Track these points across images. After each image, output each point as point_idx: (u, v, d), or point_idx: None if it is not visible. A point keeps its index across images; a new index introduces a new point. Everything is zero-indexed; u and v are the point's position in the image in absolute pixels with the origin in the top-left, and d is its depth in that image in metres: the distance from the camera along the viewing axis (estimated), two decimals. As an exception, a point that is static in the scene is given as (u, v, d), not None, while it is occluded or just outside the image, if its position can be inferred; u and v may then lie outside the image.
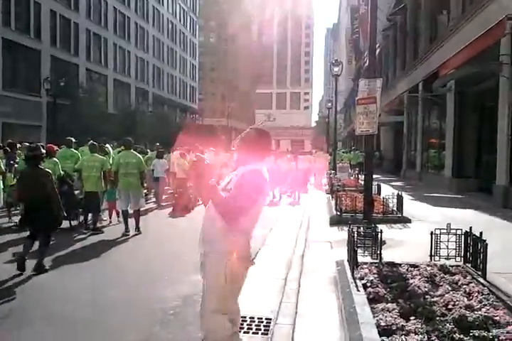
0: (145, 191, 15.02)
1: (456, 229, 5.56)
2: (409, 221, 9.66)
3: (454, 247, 5.57)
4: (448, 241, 5.55)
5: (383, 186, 14.03)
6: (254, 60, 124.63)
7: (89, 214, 9.28)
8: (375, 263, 5.51)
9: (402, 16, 26.13)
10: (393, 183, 20.08)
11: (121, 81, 46.13)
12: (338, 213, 9.98)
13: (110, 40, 44.03)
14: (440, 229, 5.60)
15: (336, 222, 9.72)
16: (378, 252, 5.63)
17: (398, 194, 10.11)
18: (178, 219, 11.44)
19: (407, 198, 10.45)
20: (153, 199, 13.81)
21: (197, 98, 78.71)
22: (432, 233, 5.62)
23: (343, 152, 31.27)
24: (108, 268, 6.77)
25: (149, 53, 54.41)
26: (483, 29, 11.90)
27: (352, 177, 19.33)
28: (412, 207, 11.48)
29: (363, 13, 49.38)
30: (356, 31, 55.40)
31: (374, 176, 17.93)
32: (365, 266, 5.28)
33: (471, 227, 5.40)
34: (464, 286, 4.52)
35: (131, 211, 9.29)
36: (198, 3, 78.05)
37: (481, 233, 5.02)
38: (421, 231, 8.80)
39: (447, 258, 5.59)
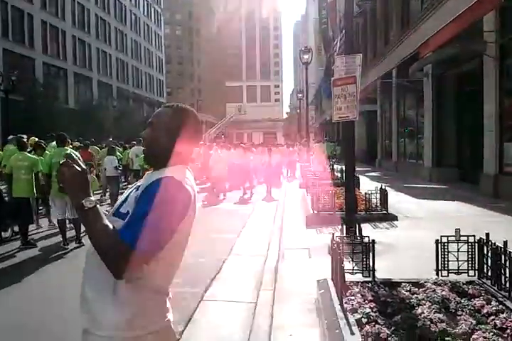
0: (99, 194, 13.58)
1: (468, 236, 4.40)
2: (395, 218, 8.54)
3: (466, 259, 4.40)
4: (458, 250, 4.38)
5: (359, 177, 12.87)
6: (222, 53, 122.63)
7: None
8: (368, 282, 4.31)
9: (372, 2, 25.12)
10: (369, 174, 19.08)
11: (82, 75, 43.98)
12: (315, 212, 8.78)
13: (68, 32, 41.80)
14: (448, 236, 4.42)
15: (313, 222, 8.53)
16: (371, 269, 4.43)
17: (382, 188, 8.98)
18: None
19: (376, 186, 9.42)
20: (109, 201, 12.35)
21: (165, 92, 76.59)
22: (437, 241, 4.45)
23: (315, 143, 30.19)
24: (37, 295, 5.39)
25: (112, 46, 52.19)
26: (465, 5, 10.85)
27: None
28: (394, 200, 10.34)
29: (330, 2, 48.49)
30: (324, 21, 54.49)
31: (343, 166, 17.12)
32: (355, 289, 4.08)
33: (487, 234, 4.24)
34: (492, 317, 3.36)
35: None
36: (162, -6, 75.84)
37: (505, 243, 3.87)
38: (411, 230, 7.71)
39: (457, 272, 4.43)
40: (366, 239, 4.57)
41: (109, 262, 1.56)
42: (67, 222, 7.89)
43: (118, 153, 15.18)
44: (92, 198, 1.61)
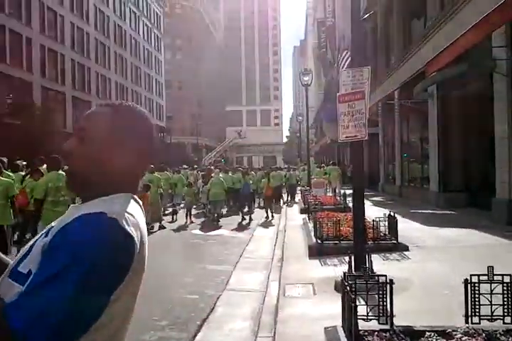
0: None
1: (503, 275, 3.70)
2: (406, 248, 7.81)
3: (501, 302, 3.70)
4: (491, 292, 3.68)
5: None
6: (222, 78, 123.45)
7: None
8: (386, 331, 3.60)
9: (373, 23, 24.92)
10: (372, 199, 18.39)
11: (80, 99, 43.71)
12: (319, 241, 8.07)
13: (67, 56, 41.73)
14: (478, 275, 3.73)
15: (316, 252, 7.81)
16: (389, 314, 3.72)
17: (390, 215, 8.28)
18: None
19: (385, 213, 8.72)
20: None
21: (165, 116, 76.49)
22: (467, 282, 3.75)
23: (316, 167, 29.57)
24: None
25: (111, 70, 52.18)
26: (469, 24, 10.39)
27: (328, 194, 17.57)
28: (401, 227, 9.58)
29: (329, 26, 48.81)
30: (323, 45, 54.81)
31: (348, 191, 16.41)
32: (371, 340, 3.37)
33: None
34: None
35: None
36: (162, 20, 76.51)
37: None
38: (425, 262, 6.98)
39: (491, 319, 3.72)
40: (382, 278, 3.87)
41: None
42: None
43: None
44: None
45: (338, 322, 4.12)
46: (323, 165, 34.03)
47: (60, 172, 7.27)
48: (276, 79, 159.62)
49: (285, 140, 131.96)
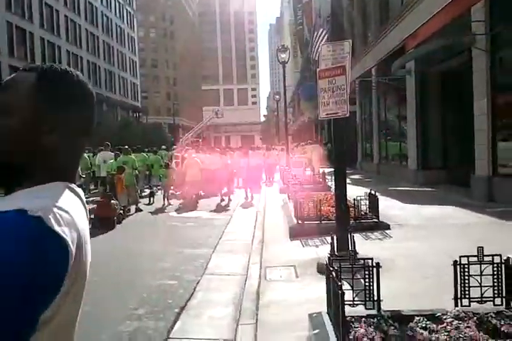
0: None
1: (493, 255, 3.56)
2: (387, 227, 7.72)
3: (491, 284, 3.57)
4: (481, 274, 3.55)
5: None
6: (198, 57, 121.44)
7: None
8: (374, 316, 3.44)
9: (350, 1, 24.50)
10: (350, 177, 18.30)
11: (52, 78, 42.39)
12: (299, 221, 7.91)
13: (36, 34, 40.24)
14: (468, 256, 3.58)
15: (297, 233, 7.65)
16: (376, 299, 3.56)
17: (371, 193, 8.16)
18: (99, 237, 9.01)
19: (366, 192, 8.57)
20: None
21: (140, 96, 75.04)
22: (456, 263, 3.60)
23: (294, 146, 29.45)
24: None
25: (83, 48, 50.63)
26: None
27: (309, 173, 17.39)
28: (381, 205, 9.49)
29: (306, 3, 48.00)
30: (300, 22, 54.05)
31: (327, 170, 16.27)
32: (358, 328, 3.21)
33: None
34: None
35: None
36: (134, -4, 74.39)
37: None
38: (408, 241, 6.88)
39: (481, 300, 3.59)
40: (368, 261, 3.70)
41: None
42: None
43: (85, 157, 14.11)
44: None
45: (322, 307, 3.95)
46: (302, 143, 33.95)
47: None
48: (253, 58, 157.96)
49: (263, 119, 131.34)
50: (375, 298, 3.59)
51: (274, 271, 5.81)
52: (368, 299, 3.62)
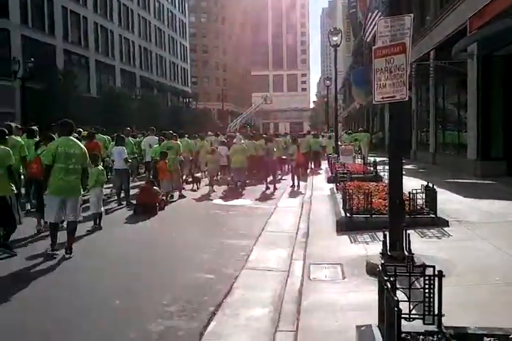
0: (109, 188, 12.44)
1: None
2: (446, 223, 7.06)
3: None
4: None
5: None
6: (248, 42, 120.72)
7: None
8: (433, 334, 2.93)
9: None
10: (404, 167, 17.42)
11: (104, 63, 43.03)
12: (348, 215, 7.37)
13: (90, 19, 40.82)
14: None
15: (345, 227, 7.13)
16: (437, 313, 3.04)
17: (428, 186, 7.50)
18: (140, 224, 8.83)
19: (422, 184, 7.85)
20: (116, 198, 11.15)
21: (189, 81, 75.40)
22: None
23: (345, 133, 28.58)
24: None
25: (135, 33, 51.06)
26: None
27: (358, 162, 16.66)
28: (438, 199, 8.83)
29: (360, -16, 46.30)
30: (353, 5, 52.30)
31: (378, 159, 15.46)
32: (417, 350, 2.72)
33: None
34: None
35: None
36: (186, -19, 74.28)
37: None
38: (469, 241, 6.24)
39: None
40: (429, 269, 3.17)
41: None
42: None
43: (131, 142, 14.01)
44: None
45: (371, 315, 3.48)
46: (350, 131, 32.98)
47: (71, 137, 6.70)
48: (304, 43, 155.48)
49: (312, 106, 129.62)
50: (436, 312, 3.07)
51: (319, 269, 5.35)
52: (426, 313, 3.10)
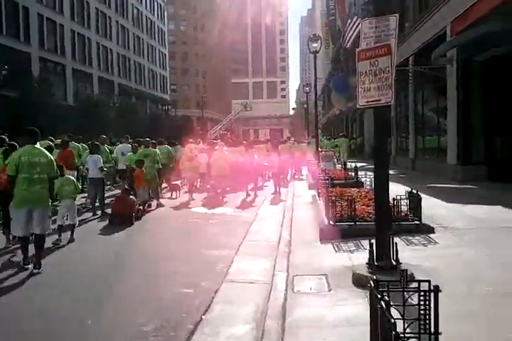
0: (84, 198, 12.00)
1: None
2: (431, 230, 6.89)
3: None
4: None
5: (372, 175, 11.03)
6: (228, 49, 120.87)
7: None
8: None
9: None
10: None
11: (82, 71, 42.43)
12: (331, 222, 7.15)
13: (67, 26, 40.23)
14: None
15: (328, 235, 6.89)
16: (433, 332, 2.80)
17: (412, 192, 7.33)
18: (115, 235, 8.47)
19: (404, 190, 7.70)
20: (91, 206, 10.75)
21: (169, 88, 74.97)
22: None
23: (326, 139, 28.53)
24: None
25: (113, 41, 50.56)
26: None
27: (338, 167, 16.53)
28: (421, 204, 8.68)
29: (338, -9, 46.68)
30: (332, 13, 52.73)
31: (358, 164, 15.32)
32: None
33: None
34: None
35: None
36: (165, -12, 74.06)
37: None
38: (456, 248, 6.07)
39: None
40: (425, 285, 2.94)
41: None
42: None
43: (107, 150, 13.64)
44: None
45: (361, 331, 3.26)
46: (329, 137, 32.99)
47: (37, 145, 6.34)
48: (283, 50, 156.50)
49: (292, 112, 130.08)
50: (433, 331, 2.84)
51: (303, 280, 5.09)
52: (422, 331, 2.87)
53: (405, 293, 2.92)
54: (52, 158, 6.37)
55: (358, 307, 4.08)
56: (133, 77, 56.28)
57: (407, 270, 4.41)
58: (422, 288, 2.90)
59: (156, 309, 4.69)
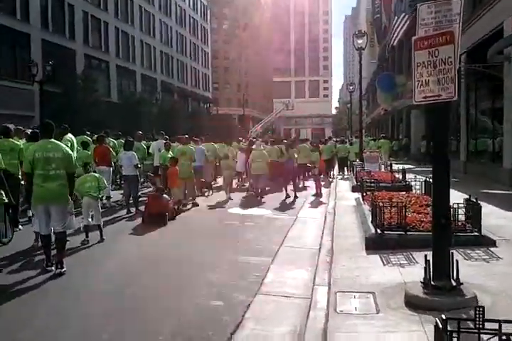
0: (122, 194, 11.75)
1: None
2: (492, 243, 6.13)
3: None
4: None
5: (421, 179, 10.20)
6: (270, 48, 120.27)
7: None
8: None
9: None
10: (431, 175, 16.40)
11: (125, 68, 42.83)
12: (379, 231, 6.49)
13: (111, 23, 40.68)
14: None
15: (375, 245, 6.26)
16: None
17: (470, 200, 6.58)
18: (146, 236, 8.09)
19: (459, 197, 6.92)
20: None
21: (211, 87, 75.09)
22: None
23: (371, 139, 27.56)
24: None
25: (156, 38, 50.90)
26: None
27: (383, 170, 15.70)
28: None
29: (385, -11, 45.30)
30: (378, 10, 51.29)
31: (404, 166, 14.43)
32: None
33: None
34: None
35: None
36: (208, -13, 74.19)
37: None
38: (523, 265, 5.30)
39: None
40: (506, 326, 2.31)
41: None
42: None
43: (143, 147, 13.43)
44: None
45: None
46: (374, 137, 31.92)
47: (52, 140, 5.94)
48: (326, 49, 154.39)
49: (334, 112, 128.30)
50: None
51: (347, 298, 4.50)
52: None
53: (481, 335, 2.31)
54: (70, 153, 5.96)
55: (412, 336, 3.48)
56: (175, 74, 56.56)
57: (458, 280, 3.79)
58: (504, 330, 2.29)
59: (179, 324, 4.21)
